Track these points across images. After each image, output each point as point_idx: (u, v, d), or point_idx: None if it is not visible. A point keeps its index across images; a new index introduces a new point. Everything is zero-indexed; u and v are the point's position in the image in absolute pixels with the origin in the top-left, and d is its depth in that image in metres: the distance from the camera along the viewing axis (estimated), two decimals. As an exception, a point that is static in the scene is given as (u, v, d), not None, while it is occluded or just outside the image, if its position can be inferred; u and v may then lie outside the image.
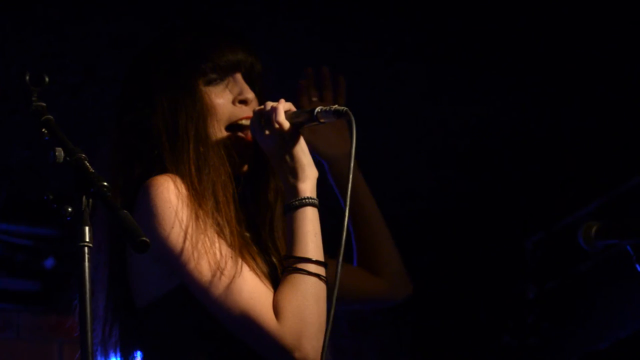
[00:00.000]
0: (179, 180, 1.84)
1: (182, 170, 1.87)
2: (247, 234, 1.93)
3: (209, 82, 1.97)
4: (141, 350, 1.93)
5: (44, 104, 1.72)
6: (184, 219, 1.80)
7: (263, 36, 3.22)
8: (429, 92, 3.83)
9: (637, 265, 2.40)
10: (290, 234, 1.87)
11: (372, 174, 4.03)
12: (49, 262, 4.01)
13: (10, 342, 4.29)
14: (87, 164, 1.58)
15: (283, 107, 1.90)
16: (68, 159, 1.60)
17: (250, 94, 1.98)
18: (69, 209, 1.56)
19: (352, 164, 1.82)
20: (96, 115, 3.17)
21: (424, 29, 3.44)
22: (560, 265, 4.51)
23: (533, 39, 3.51)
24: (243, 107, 1.98)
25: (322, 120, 1.88)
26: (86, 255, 1.54)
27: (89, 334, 1.51)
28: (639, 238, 2.40)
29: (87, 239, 1.54)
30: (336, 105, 1.88)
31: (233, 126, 1.97)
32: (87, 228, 1.54)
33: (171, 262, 1.81)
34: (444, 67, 3.67)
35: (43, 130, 1.67)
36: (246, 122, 1.96)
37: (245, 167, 1.99)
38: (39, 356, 4.36)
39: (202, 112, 1.93)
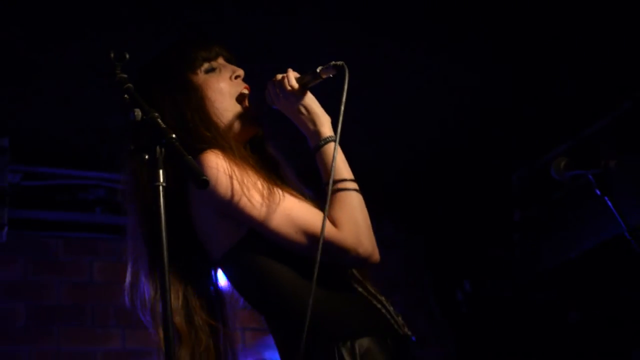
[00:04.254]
0: (217, 151, 1.99)
1: (213, 145, 2.01)
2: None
3: (207, 71, 2.15)
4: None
5: (125, 75, 1.83)
6: (231, 175, 1.94)
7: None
8: (427, 48, 3.81)
9: (597, 191, 2.63)
10: (324, 166, 2.02)
11: (373, 118, 4.18)
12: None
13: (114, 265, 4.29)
14: (159, 120, 1.70)
15: (292, 74, 2.09)
16: (144, 117, 1.71)
17: (241, 71, 2.18)
18: (146, 157, 1.68)
19: (341, 116, 1.94)
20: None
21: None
22: (540, 194, 4.61)
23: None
24: (239, 80, 2.18)
25: (323, 76, 2.04)
26: (161, 193, 1.63)
27: (166, 267, 1.59)
28: (598, 169, 2.60)
29: (162, 179, 1.64)
30: (333, 62, 2.01)
31: (239, 98, 2.15)
32: (161, 171, 1.65)
33: (233, 209, 1.94)
34: (444, 25, 3.68)
35: (125, 96, 1.78)
36: (246, 91, 2.16)
37: (258, 130, 2.18)
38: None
39: (202, 100, 2.09)
